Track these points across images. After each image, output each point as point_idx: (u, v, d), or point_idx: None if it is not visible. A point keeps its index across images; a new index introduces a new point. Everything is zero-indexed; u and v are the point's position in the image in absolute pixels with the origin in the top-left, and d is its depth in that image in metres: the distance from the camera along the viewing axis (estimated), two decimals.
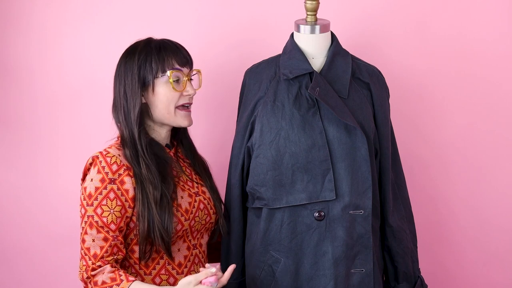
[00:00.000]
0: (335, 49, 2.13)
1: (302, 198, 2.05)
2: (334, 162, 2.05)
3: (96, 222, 1.99)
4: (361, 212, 2.07)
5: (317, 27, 2.12)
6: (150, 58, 2.08)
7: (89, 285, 1.99)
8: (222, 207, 2.22)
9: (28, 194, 2.66)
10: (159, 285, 2.08)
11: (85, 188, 2.02)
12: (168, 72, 2.07)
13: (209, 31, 2.55)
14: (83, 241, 2.01)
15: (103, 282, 1.96)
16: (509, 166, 2.62)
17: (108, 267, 1.98)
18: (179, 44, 2.14)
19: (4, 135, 2.63)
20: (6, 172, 2.65)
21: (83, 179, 2.07)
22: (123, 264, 2.08)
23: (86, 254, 2.00)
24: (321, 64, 2.14)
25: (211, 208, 2.17)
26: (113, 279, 1.96)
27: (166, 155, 2.12)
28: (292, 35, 2.17)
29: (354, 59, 2.17)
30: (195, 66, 2.19)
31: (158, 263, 2.09)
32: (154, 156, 2.08)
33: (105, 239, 1.99)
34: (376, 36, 2.56)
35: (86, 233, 2.00)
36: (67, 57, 2.58)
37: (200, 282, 1.92)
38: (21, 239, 2.68)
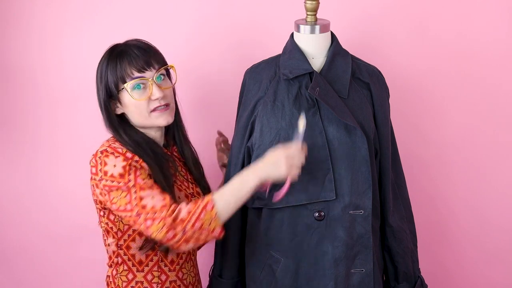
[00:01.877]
0: (335, 49, 2.13)
1: (302, 198, 2.05)
2: (334, 162, 2.05)
3: (145, 183, 1.95)
4: (361, 212, 2.07)
5: (317, 27, 2.12)
6: (109, 71, 2.05)
7: (178, 226, 1.91)
8: None
9: (28, 194, 2.66)
10: (150, 282, 2.09)
11: (111, 175, 1.97)
12: (125, 85, 2.02)
13: (209, 31, 2.55)
14: (144, 206, 1.93)
15: (188, 212, 1.91)
16: (509, 166, 2.62)
17: (183, 204, 1.94)
18: (141, 46, 2.07)
19: (4, 135, 2.63)
20: (6, 172, 2.66)
21: (96, 173, 2.01)
22: (116, 261, 2.09)
23: (155, 212, 1.92)
24: (321, 64, 2.14)
25: None
26: (194, 203, 1.93)
27: (163, 152, 2.12)
28: (292, 35, 2.17)
29: (354, 59, 2.17)
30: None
31: (151, 260, 2.10)
32: (152, 153, 2.07)
33: (162, 193, 1.96)
34: (376, 36, 2.56)
35: (141, 198, 1.94)
36: (67, 57, 2.58)
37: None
38: (21, 239, 2.69)
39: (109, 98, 2.07)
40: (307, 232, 2.07)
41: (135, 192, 1.95)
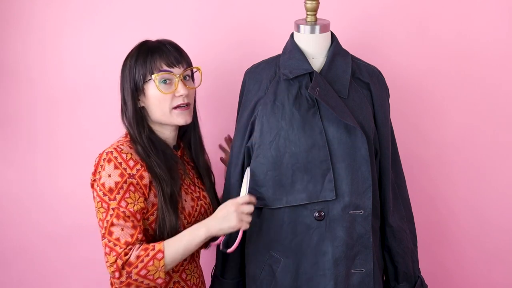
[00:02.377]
0: (335, 49, 2.13)
1: (302, 198, 2.05)
2: (334, 162, 2.05)
3: (123, 212, 1.98)
4: (361, 212, 2.07)
5: (317, 27, 2.12)
6: (138, 62, 2.08)
7: (124, 270, 1.95)
8: None
9: (27, 194, 2.66)
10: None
11: (103, 184, 2.00)
12: (153, 76, 2.06)
13: (209, 31, 2.55)
14: (110, 233, 1.98)
15: (137, 257, 1.95)
16: (509, 166, 2.62)
17: (136, 245, 1.98)
18: (173, 44, 2.12)
19: (4, 135, 2.63)
20: (5, 172, 2.65)
21: (94, 173, 2.05)
22: None
23: (116, 245, 1.97)
24: (321, 64, 2.14)
25: (210, 213, 2.17)
26: (145, 249, 1.96)
27: (173, 154, 2.13)
28: (292, 35, 2.17)
29: (354, 59, 2.17)
30: (195, 66, 2.18)
31: None
32: (162, 154, 2.09)
33: (134, 227, 1.98)
34: (376, 36, 2.56)
35: (112, 224, 1.98)
36: (67, 57, 2.58)
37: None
38: (20, 239, 2.68)
39: (135, 89, 2.09)
40: (307, 232, 2.07)
41: (111, 216, 1.98)
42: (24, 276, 2.71)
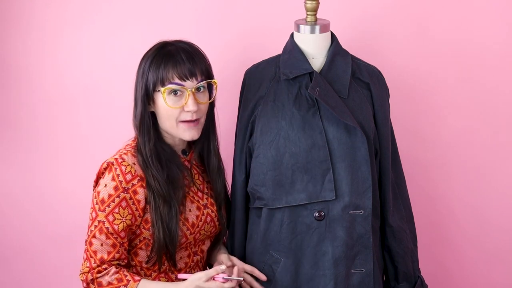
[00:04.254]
0: (335, 49, 2.13)
1: (302, 198, 2.05)
2: (334, 162, 2.05)
3: (107, 228, 1.98)
4: (361, 212, 2.07)
5: (317, 27, 2.12)
6: (152, 68, 2.01)
7: (91, 285, 1.99)
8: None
9: (27, 194, 2.66)
10: None
11: (98, 193, 2.01)
12: (162, 89, 1.99)
13: (209, 31, 2.55)
14: (90, 243, 2.00)
15: (109, 283, 1.97)
16: (509, 166, 2.62)
17: (113, 269, 1.99)
18: (190, 51, 2.03)
19: (4, 135, 2.63)
20: (5, 172, 2.65)
21: (96, 180, 2.05)
22: (126, 264, 2.08)
23: (91, 257, 1.99)
24: (321, 64, 2.14)
25: (217, 220, 2.16)
26: (119, 280, 1.97)
27: (179, 163, 2.09)
28: (292, 35, 2.17)
29: (354, 59, 2.17)
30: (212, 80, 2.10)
31: (160, 268, 2.09)
32: (166, 163, 2.04)
33: (114, 246, 1.99)
34: (376, 36, 2.56)
35: (94, 236, 1.99)
36: (67, 57, 2.58)
37: (212, 278, 1.95)
38: (20, 239, 2.68)
39: (146, 94, 2.03)
40: (307, 232, 2.07)
41: (95, 227, 1.99)
42: (24, 276, 2.71)
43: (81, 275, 2.01)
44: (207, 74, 2.07)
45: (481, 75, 2.57)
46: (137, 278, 1.98)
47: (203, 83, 2.04)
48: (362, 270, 2.10)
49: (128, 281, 1.96)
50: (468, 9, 2.54)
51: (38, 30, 2.57)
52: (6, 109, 2.61)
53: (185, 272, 2.07)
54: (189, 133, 2.04)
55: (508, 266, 2.67)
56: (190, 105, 2.00)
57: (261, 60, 2.23)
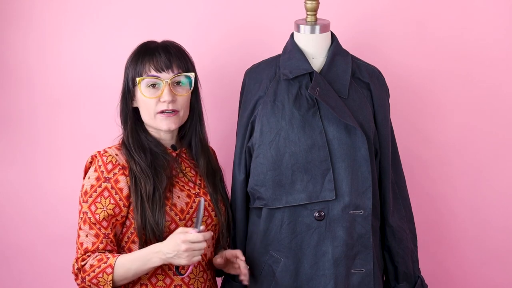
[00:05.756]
0: (335, 49, 2.14)
1: (302, 198, 2.05)
2: (334, 162, 2.05)
3: (89, 218, 2.03)
4: (361, 212, 2.07)
5: (317, 27, 2.12)
6: (132, 64, 2.12)
7: (79, 274, 2.03)
8: (228, 210, 2.21)
9: (27, 193, 2.66)
10: (155, 285, 2.08)
11: (82, 186, 2.08)
12: (137, 79, 2.08)
13: (209, 32, 2.55)
14: (78, 235, 2.06)
15: (91, 266, 2.00)
16: (509, 166, 2.62)
17: (95, 253, 2.03)
18: (169, 47, 2.11)
19: (4, 134, 2.63)
20: (5, 172, 2.65)
21: (84, 174, 2.12)
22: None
23: (79, 248, 2.04)
24: (321, 64, 2.14)
25: (212, 210, 2.15)
26: (99, 260, 2.01)
27: (165, 152, 2.13)
28: (292, 35, 2.17)
29: (354, 59, 2.17)
30: (197, 67, 2.16)
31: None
32: (150, 151, 2.10)
33: (97, 236, 2.03)
34: (376, 36, 2.56)
35: (80, 228, 2.05)
36: (67, 56, 2.58)
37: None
38: (20, 238, 2.68)
39: (127, 90, 2.12)
40: (307, 232, 2.07)
41: (81, 219, 2.06)
42: (24, 276, 2.71)
43: (72, 266, 2.06)
44: (186, 69, 2.12)
45: (481, 74, 2.57)
46: (116, 255, 2.02)
47: (181, 76, 2.10)
48: (362, 270, 2.10)
49: (108, 258, 2.00)
50: (468, 9, 2.55)
51: (38, 30, 2.57)
52: (6, 109, 2.61)
53: (186, 272, 2.06)
54: (166, 123, 2.09)
55: (508, 266, 2.67)
56: (165, 95, 2.06)
57: (261, 60, 2.23)
